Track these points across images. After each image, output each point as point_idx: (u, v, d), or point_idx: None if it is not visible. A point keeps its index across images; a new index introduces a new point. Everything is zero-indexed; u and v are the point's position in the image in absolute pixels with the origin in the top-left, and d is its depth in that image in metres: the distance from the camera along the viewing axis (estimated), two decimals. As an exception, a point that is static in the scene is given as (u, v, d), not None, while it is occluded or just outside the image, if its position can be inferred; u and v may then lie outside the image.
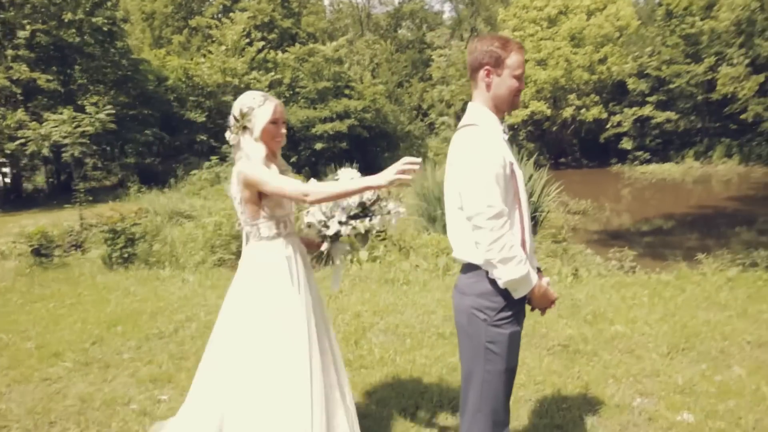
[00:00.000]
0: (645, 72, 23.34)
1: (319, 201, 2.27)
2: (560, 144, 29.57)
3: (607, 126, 25.52)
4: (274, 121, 2.39)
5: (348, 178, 2.36)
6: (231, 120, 2.42)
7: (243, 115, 2.36)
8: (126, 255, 7.24)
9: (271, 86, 22.50)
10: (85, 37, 17.48)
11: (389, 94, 28.87)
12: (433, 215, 9.43)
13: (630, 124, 24.33)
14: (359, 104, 24.37)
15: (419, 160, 2.09)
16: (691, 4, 22.25)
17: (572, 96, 26.10)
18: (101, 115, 11.33)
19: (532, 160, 10.60)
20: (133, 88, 19.10)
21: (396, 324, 4.61)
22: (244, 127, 2.37)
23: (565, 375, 3.57)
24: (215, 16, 27.36)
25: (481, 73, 2.07)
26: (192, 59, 22.70)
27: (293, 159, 22.10)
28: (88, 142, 12.40)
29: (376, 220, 2.36)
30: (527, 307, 2.17)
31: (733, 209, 15.85)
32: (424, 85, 33.25)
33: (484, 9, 38.46)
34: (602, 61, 25.64)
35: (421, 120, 33.63)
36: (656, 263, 8.41)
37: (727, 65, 20.76)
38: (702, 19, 21.65)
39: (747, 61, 20.35)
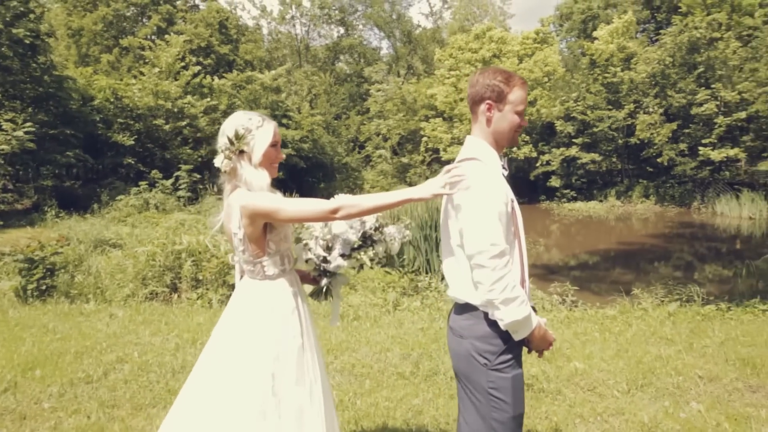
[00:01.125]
0: (571, 115, 24.74)
1: (351, 216, 1.99)
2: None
3: (537, 164, 26.69)
4: (274, 144, 2.17)
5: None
6: (222, 143, 2.13)
7: (239, 138, 2.10)
8: (44, 287, 6.55)
9: (206, 112, 21.85)
10: (3, 49, 16.25)
11: (327, 125, 28.87)
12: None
13: (558, 164, 25.57)
14: (297, 134, 24.13)
15: (465, 172, 1.90)
16: (612, 56, 24.02)
17: (504, 135, 27.21)
18: (19, 133, 10.43)
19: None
20: (54, 107, 17.85)
21: (352, 363, 4.36)
22: (241, 151, 2.12)
23: (534, 416, 3.47)
24: (149, 37, 26.46)
25: (483, 107, 1.99)
26: (122, 80, 21.68)
27: (228, 187, 21.40)
28: (2, 162, 11.38)
29: (380, 248, 2.18)
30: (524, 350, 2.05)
31: (651, 245, 16.82)
32: (362, 118, 33.55)
33: (421, 48, 39.72)
34: (532, 103, 26.96)
35: (358, 152, 33.80)
36: (595, 297, 8.70)
37: (644, 113, 22.42)
38: (622, 70, 23.36)
39: (661, 110, 22.08)
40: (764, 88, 19.46)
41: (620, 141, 23.65)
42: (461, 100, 28.15)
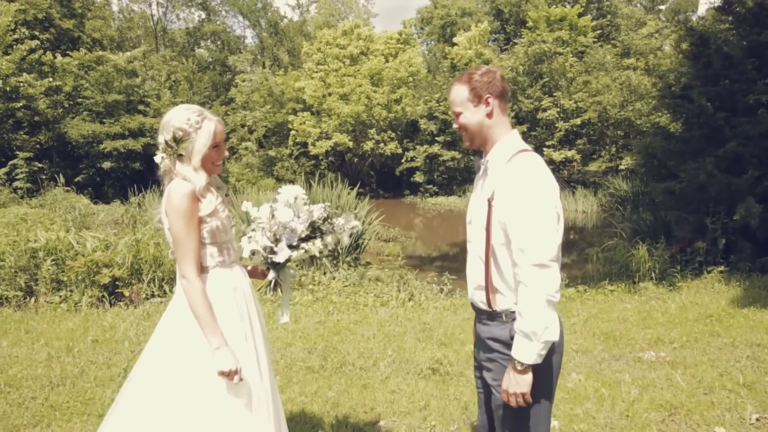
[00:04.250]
0: (434, 114, 26.15)
1: (187, 294, 1.98)
2: (359, 175, 31.18)
3: (402, 160, 27.79)
4: (214, 145, 2.05)
5: (291, 195, 2.12)
6: (161, 141, 2.02)
7: (177, 141, 1.97)
8: None
9: (47, 93, 19.33)
10: None
11: (189, 114, 27.15)
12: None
13: (422, 160, 26.88)
14: (156, 122, 22.31)
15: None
16: (471, 61, 25.83)
17: (372, 131, 27.88)
18: None
19: (355, 189, 10.92)
20: None
21: (257, 361, 4.22)
22: (180, 155, 1.99)
23: (444, 398, 3.67)
24: (-32, 3, 22.59)
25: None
26: (-67, 50, 18.32)
27: (78, 178, 19.17)
28: None
29: (328, 238, 2.15)
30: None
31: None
32: (226, 108, 32.11)
33: (287, 40, 39.02)
34: (398, 101, 27.96)
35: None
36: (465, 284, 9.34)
37: (498, 115, 24.45)
38: (479, 74, 25.23)
39: (513, 113, 24.27)
40: (595, 98, 22.32)
41: (477, 140, 25.55)
42: (330, 94, 28.26)
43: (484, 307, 1.97)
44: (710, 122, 7.82)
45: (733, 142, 7.50)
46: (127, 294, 6.18)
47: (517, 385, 1.85)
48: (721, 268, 7.36)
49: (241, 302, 2.10)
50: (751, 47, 7.81)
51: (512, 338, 1.88)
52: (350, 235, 2.25)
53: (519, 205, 1.83)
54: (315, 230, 2.18)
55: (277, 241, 2.14)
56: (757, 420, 3.32)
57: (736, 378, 3.90)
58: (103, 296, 6.11)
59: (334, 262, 7.66)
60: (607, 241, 9.46)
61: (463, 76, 2.00)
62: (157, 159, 2.03)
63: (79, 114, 21.16)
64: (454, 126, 2.06)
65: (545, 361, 1.86)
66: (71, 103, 21.26)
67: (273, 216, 2.17)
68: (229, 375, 1.91)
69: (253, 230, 2.20)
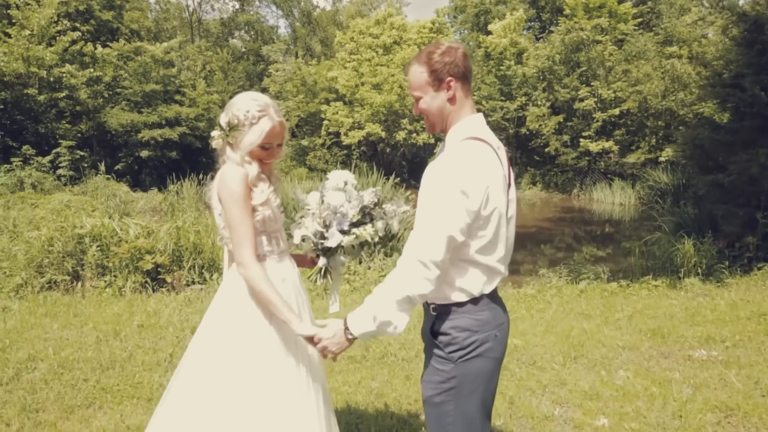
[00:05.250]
0: (468, 104, 25.81)
1: (247, 280, 1.96)
2: (391, 164, 31.10)
3: (435, 150, 27.60)
4: (264, 146, 2.00)
5: (341, 180, 2.08)
6: (219, 121, 2.00)
7: (231, 128, 1.94)
8: None
9: (88, 84, 19.81)
10: None
11: (224, 104, 27.49)
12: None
13: (449, 151, 26.63)
14: (192, 112, 22.67)
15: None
16: (505, 50, 25.35)
17: (404, 120, 27.72)
18: None
19: (391, 179, 10.86)
20: None
21: (299, 349, 4.24)
22: (229, 142, 1.97)
23: (488, 391, 3.61)
24: (14, -5, 23.27)
25: None
26: (-18, 41, 18.94)
27: (117, 167, 19.65)
28: None
29: (379, 224, 2.08)
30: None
31: (537, 228, 18.18)
32: (259, 98, 32.44)
33: (320, 29, 39.04)
34: (429, 91, 27.73)
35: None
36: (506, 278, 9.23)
37: (534, 105, 23.99)
38: (515, 64, 24.76)
39: (548, 103, 23.76)
40: (635, 87, 21.65)
41: (511, 131, 25.11)
42: (362, 84, 28.20)
43: None
44: (764, 112, 7.47)
45: (789, 133, 7.16)
46: (169, 280, 6.30)
47: (335, 344, 1.81)
48: (772, 264, 7.07)
49: (291, 294, 2.07)
50: (810, 33, 7.42)
51: (433, 333, 1.81)
52: (400, 221, 2.18)
53: (424, 196, 1.72)
54: (365, 215, 2.12)
55: (327, 226, 2.10)
56: (822, 425, 3.17)
57: (795, 380, 3.73)
58: (146, 282, 6.24)
59: (371, 251, 7.64)
60: (646, 235, 9.19)
61: (421, 55, 1.83)
62: (213, 133, 2.02)
63: (118, 104, 21.63)
64: (415, 111, 1.93)
65: (467, 367, 1.77)
66: (110, 93, 21.73)
67: (323, 201, 2.13)
68: (312, 340, 1.87)
69: (302, 216, 2.17)
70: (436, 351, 1.83)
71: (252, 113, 1.95)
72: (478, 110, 1.95)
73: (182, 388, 2.01)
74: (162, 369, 3.85)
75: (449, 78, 1.80)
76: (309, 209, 2.17)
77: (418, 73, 1.82)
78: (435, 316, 1.83)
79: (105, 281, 6.25)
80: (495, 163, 1.79)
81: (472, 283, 1.79)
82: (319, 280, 2.19)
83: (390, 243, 2.18)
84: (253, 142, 1.96)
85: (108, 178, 15.07)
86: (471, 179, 1.69)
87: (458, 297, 1.79)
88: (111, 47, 21.75)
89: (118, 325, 4.79)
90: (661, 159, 20.59)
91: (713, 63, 11.59)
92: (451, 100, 1.82)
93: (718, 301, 5.91)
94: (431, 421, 1.86)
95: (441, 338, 1.81)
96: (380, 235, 2.13)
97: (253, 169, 1.99)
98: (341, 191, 2.13)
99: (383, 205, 2.17)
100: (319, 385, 2.09)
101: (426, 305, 1.89)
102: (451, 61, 1.79)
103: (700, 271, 7.16)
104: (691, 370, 4.02)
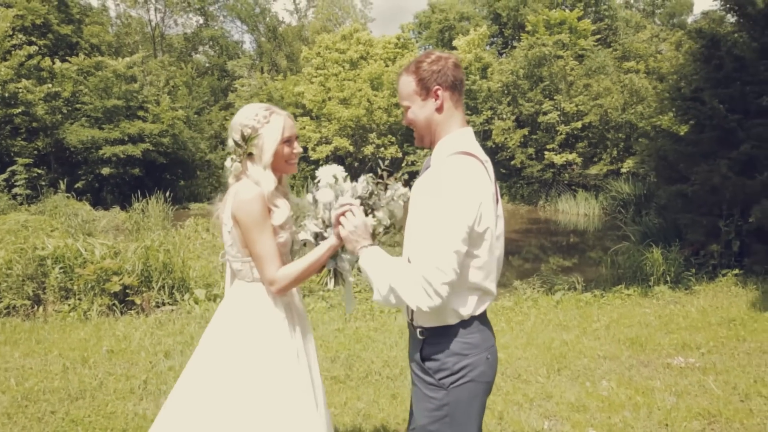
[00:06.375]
0: (434, 119, 26.07)
1: (286, 288, 1.92)
2: (358, 179, 31.12)
3: (403, 165, 27.72)
4: (286, 140, 1.96)
5: (330, 175, 1.99)
6: (230, 144, 1.93)
7: (247, 139, 1.88)
8: None
9: (45, 99, 19.18)
10: None
11: (188, 120, 26.97)
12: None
13: (421, 164, 26.82)
14: (156, 128, 22.17)
15: (352, 200, 1.88)
16: (470, 65, 25.80)
17: (372, 135, 27.81)
18: None
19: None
20: None
21: (279, 370, 4.12)
22: (250, 154, 1.91)
23: (476, 407, 3.57)
24: (-35, 9, 22.42)
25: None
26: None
27: (77, 185, 18.99)
28: None
29: (380, 213, 1.95)
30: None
31: (505, 240, 18.41)
32: (225, 113, 31.96)
33: (286, 45, 38.96)
34: (398, 105, 27.94)
35: (222, 149, 32.14)
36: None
37: (499, 119, 24.43)
38: (480, 79, 25.21)
39: (513, 117, 24.24)
40: (596, 101, 22.32)
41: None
42: (329, 99, 28.20)
43: (407, 319, 1.82)
44: (723, 124, 7.77)
45: (747, 144, 7.45)
46: (138, 302, 6.06)
47: (353, 232, 1.81)
48: (736, 271, 7.30)
49: (294, 317, 2.00)
50: (764, 49, 7.77)
51: (422, 358, 1.74)
52: (402, 205, 2.07)
53: (423, 215, 1.65)
54: (365, 207, 2.03)
55: (326, 226, 2.01)
56: (801, 428, 3.24)
57: (771, 384, 3.82)
58: (113, 304, 5.99)
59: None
60: (611, 245, 9.37)
61: (411, 64, 1.79)
62: (227, 164, 1.95)
63: (77, 120, 21.00)
64: (404, 122, 1.88)
65: (460, 393, 1.69)
66: (70, 108, 21.08)
67: (315, 201, 2.04)
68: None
69: (301, 219, 2.08)
70: (425, 377, 1.73)
71: (261, 114, 1.93)
72: None
73: (188, 402, 1.90)
74: (136, 397, 3.67)
75: (436, 87, 1.74)
76: (307, 212, 2.08)
77: (407, 83, 1.78)
78: (423, 340, 1.74)
79: (69, 305, 5.96)
80: (485, 179, 1.72)
81: (464, 304, 1.70)
82: (329, 283, 2.07)
83: (400, 232, 2.03)
84: (276, 139, 1.93)
85: (68, 197, 14.52)
86: (464, 196, 1.63)
87: (448, 319, 1.70)
88: (70, 62, 21.17)
89: (85, 351, 4.56)
90: (623, 170, 21.20)
91: (669, 77, 12.02)
92: (439, 109, 1.76)
93: (689, 308, 6.05)
94: None
95: (429, 364, 1.72)
96: (385, 224, 1.97)
97: (270, 183, 1.93)
98: (332, 187, 2.02)
99: (379, 194, 2.04)
100: (322, 402, 2.03)
101: (412, 328, 1.79)
102: (438, 70, 1.74)
103: (669, 278, 7.34)
104: (671, 377, 4.07)
